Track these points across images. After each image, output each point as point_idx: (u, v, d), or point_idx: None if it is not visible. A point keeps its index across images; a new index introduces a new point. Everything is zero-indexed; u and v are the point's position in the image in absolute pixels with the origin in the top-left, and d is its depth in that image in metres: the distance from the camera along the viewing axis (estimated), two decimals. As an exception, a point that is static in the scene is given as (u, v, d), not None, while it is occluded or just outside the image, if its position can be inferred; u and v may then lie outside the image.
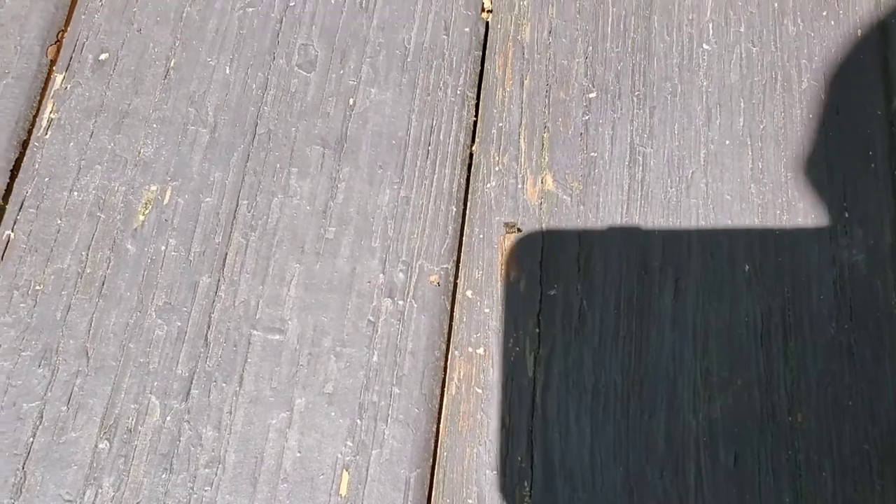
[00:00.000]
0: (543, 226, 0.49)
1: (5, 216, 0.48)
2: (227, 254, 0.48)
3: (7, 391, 0.44)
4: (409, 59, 0.53)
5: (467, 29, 0.54)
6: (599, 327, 0.47)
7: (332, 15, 0.53)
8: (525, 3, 0.54)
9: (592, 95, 0.52)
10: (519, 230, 0.49)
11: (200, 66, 0.52)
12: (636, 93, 0.52)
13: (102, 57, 0.52)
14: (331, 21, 0.53)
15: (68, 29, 0.53)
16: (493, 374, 0.46)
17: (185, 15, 0.53)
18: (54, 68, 0.52)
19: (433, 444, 0.44)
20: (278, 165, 0.50)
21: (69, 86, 0.51)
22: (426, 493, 0.43)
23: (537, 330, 0.47)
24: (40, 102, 0.51)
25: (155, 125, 0.50)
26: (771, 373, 0.46)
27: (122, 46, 0.52)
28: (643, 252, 0.49)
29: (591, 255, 0.48)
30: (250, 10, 0.53)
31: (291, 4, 0.54)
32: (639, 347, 0.47)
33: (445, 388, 0.46)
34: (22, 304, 0.46)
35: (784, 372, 0.46)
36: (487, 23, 0.54)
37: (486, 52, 0.53)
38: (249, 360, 0.46)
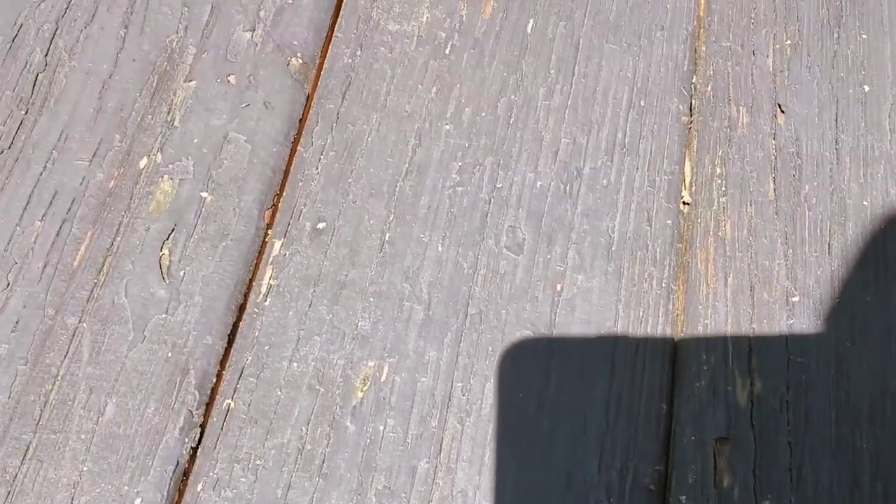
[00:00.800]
0: (755, 431, 0.49)
1: (224, 384, 0.49)
2: (443, 439, 0.48)
3: (230, 574, 0.44)
4: (613, 248, 0.54)
5: (669, 221, 0.55)
6: (818, 545, 0.46)
7: (537, 199, 0.55)
8: (724, 199, 0.56)
9: (795, 299, 0.53)
10: (731, 434, 0.49)
11: (414, 241, 0.53)
12: (836, 300, 0.53)
13: (320, 226, 0.53)
14: (536, 205, 0.55)
15: (284, 194, 0.54)
16: (717, 590, 0.45)
17: (398, 189, 0.55)
18: (270, 232, 0.53)
19: None
20: (490, 348, 0.50)
21: (287, 253, 0.52)
22: None
23: (757, 544, 0.46)
24: (256, 267, 0.52)
25: (371, 299, 0.51)
26: None
27: (338, 216, 0.54)
28: (853, 465, 0.49)
29: (802, 466, 0.48)
30: (460, 189, 0.55)
31: (499, 186, 0.55)
32: (856, 569, 0.46)
33: None
34: (242, 479, 0.46)
35: None
36: (684, 215, 0.56)
37: (688, 245, 0.55)
38: (469, 555, 0.45)
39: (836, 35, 0.62)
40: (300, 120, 0.57)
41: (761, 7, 0.63)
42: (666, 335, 0.52)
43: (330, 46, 0.59)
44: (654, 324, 0.52)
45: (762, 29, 0.62)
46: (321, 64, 0.59)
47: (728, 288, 0.53)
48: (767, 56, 0.61)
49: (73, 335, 0.48)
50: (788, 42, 0.62)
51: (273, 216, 0.54)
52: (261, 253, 0.52)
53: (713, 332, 0.52)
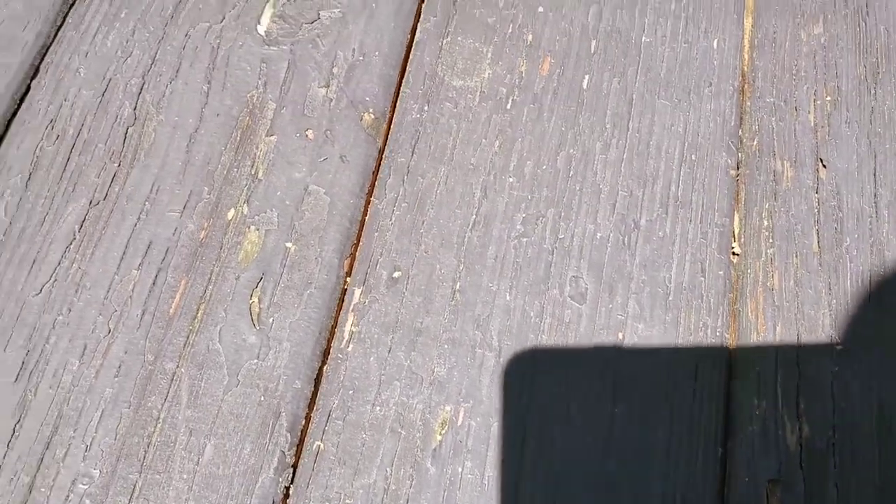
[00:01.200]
0: (804, 474, 0.53)
1: (313, 425, 0.52)
2: (517, 483, 0.52)
3: None
4: (670, 298, 0.58)
5: (721, 272, 0.59)
6: (865, 582, 0.50)
7: (597, 249, 0.59)
8: (771, 251, 0.60)
9: (839, 347, 0.57)
10: (782, 476, 0.53)
11: (483, 290, 0.57)
12: (878, 348, 0.57)
13: (396, 275, 0.57)
14: (597, 255, 0.59)
15: (361, 244, 0.58)
16: None
17: (466, 239, 0.58)
18: (349, 280, 0.57)
19: None
20: (559, 396, 0.54)
21: (367, 300, 0.56)
22: None
23: (809, 581, 0.50)
24: (338, 314, 0.56)
25: (446, 346, 0.55)
26: None
27: (412, 266, 0.57)
28: (896, 506, 0.53)
29: (849, 507, 0.52)
30: (524, 239, 0.59)
31: (561, 237, 0.59)
32: None
33: None
34: (334, 517, 0.50)
35: None
36: (735, 265, 0.60)
37: (738, 294, 0.59)
38: (545, 590, 0.49)
39: (872, 92, 0.66)
40: (373, 172, 0.61)
41: (802, 64, 0.67)
42: (720, 381, 0.56)
43: (398, 102, 0.63)
44: (710, 372, 0.56)
45: (803, 85, 0.66)
46: (391, 118, 0.62)
47: (777, 336, 0.57)
48: (809, 112, 0.65)
49: (172, 380, 0.52)
50: (828, 98, 0.66)
51: (351, 265, 0.57)
52: (341, 300, 0.56)
53: (763, 379, 0.56)
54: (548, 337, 0.56)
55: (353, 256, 0.58)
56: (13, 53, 0.62)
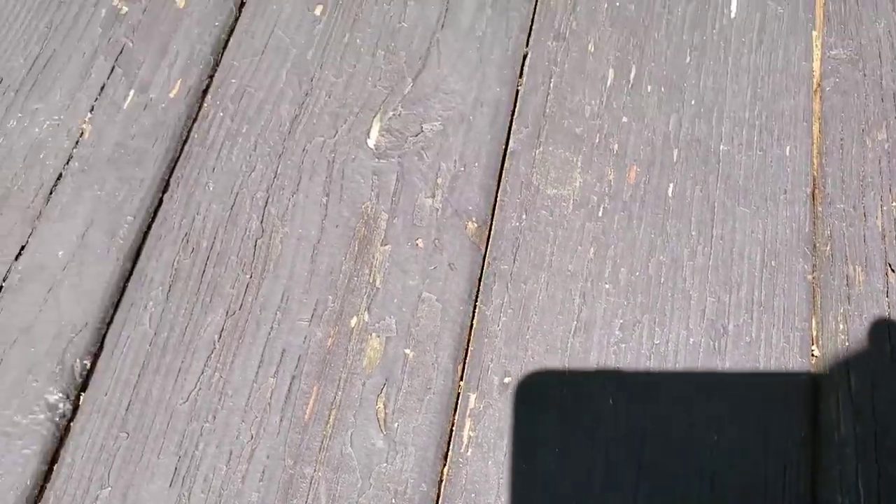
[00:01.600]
0: (889, 570, 0.58)
1: (440, 526, 0.57)
2: (628, 576, 0.57)
3: None
4: (758, 400, 0.63)
5: (803, 376, 0.64)
6: None
7: (691, 354, 0.64)
8: (847, 353, 0.65)
9: (916, 448, 0.62)
10: (869, 572, 0.58)
11: (586, 396, 0.62)
12: (951, 448, 0.62)
13: (506, 380, 0.62)
14: (691, 360, 0.64)
15: (470, 349, 0.63)
16: None
17: (570, 346, 0.64)
18: (463, 385, 0.62)
19: None
20: (663, 498, 0.59)
21: (482, 405, 0.61)
22: None
23: None
24: (454, 418, 0.61)
25: (556, 449, 0.60)
26: None
27: (520, 371, 0.62)
28: None
29: None
30: (623, 345, 0.64)
31: (657, 342, 0.64)
32: None
33: None
34: None
35: None
36: (814, 366, 0.65)
37: (819, 396, 0.64)
38: None
39: (935, 197, 0.71)
40: (478, 279, 0.66)
41: (868, 170, 0.73)
42: (806, 478, 0.61)
43: (498, 210, 0.68)
44: (795, 468, 0.61)
45: (870, 191, 0.71)
46: (491, 227, 0.68)
47: (856, 436, 0.62)
48: (877, 217, 0.70)
49: (311, 483, 0.57)
50: (894, 204, 0.71)
51: (464, 371, 0.62)
52: (457, 405, 0.61)
53: (845, 477, 0.61)
54: (652, 439, 0.61)
55: (465, 362, 0.63)
56: (145, 168, 0.67)
